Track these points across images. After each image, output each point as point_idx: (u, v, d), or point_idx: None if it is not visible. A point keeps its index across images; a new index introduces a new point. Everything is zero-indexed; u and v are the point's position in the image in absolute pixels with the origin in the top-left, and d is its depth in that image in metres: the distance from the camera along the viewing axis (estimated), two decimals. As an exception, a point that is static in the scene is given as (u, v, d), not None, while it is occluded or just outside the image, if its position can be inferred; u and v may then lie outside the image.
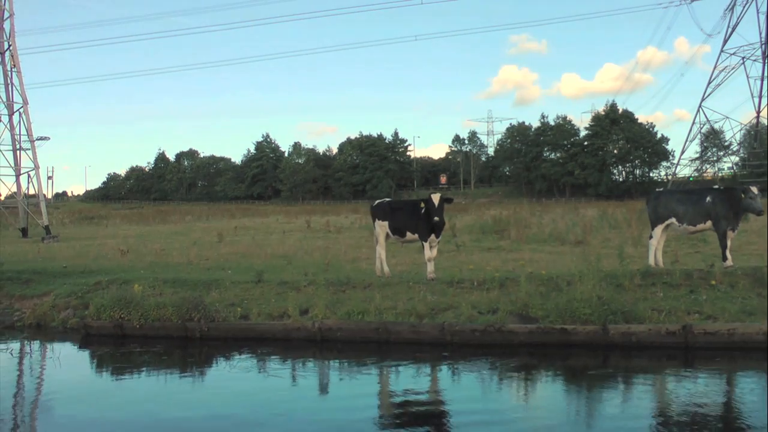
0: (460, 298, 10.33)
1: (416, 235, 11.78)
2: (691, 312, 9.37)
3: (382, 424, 6.64)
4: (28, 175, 34.24)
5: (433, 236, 11.50)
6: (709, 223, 11.56)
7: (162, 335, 10.56)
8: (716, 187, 12.23)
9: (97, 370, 9.70)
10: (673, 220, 11.94)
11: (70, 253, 20.87)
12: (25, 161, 34.06)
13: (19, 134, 33.19)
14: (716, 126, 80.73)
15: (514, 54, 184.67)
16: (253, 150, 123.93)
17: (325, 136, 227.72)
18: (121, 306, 10.85)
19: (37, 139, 33.75)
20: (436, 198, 11.18)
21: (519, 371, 8.33)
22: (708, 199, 11.50)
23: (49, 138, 36.79)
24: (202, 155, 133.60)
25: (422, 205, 11.47)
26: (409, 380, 8.24)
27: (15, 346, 11.09)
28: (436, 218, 11.11)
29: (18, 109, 32.98)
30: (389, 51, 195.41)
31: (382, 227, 12.42)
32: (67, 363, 9.75)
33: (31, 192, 36.60)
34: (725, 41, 73.60)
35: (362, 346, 9.44)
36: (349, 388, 8.01)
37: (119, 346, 10.37)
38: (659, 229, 12.14)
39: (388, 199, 13.15)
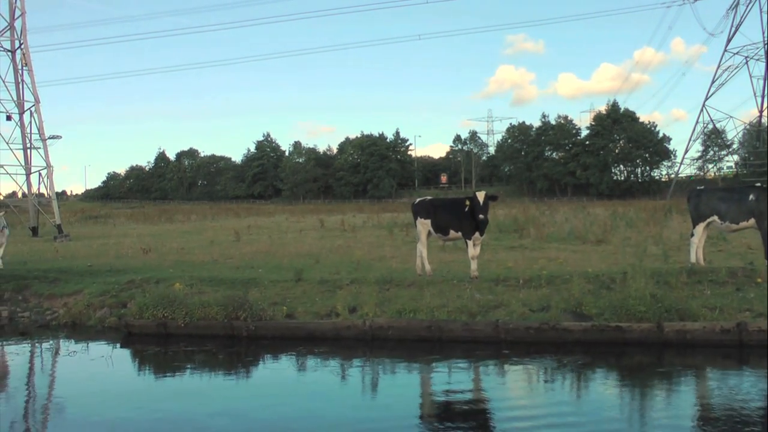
0: (509, 296, 10.30)
1: (459, 233, 11.76)
2: (741, 310, 9.37)
3: (455, 423, 6.62)
4: (39, 174, 34.06)
5: (477, 234, 11.49)
6: (751, 221, 11.53)
7: (207, 334, 10.39)
8: (758, 185, 12.20)
9: (154, 369, 9.49)
10: (716, 218, 11.91)
11: (89, 252, 20.78)
12: (35, 160, 33.93)
13: (30, 133, 33.02)
14: (719, 125, 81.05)
15: (510, 54, 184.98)
16: (253, 149, 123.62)
17: (325, 136, 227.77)
18: (164, 305, 10.70)
19: (48, 138, 33.54)
20: (481, 196, 11.19)
21: (582, 369, 8.27)
22: (751, 196, 11.47)
23: (60, 136, 36.51)
24: (202, 154, 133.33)
25: (467, 203, 11.44)
26: (483, 378, 8.22)
27: (55, 345, 10.95)
28: (481, 216, 11.12)
29: (29, 108, 32.80)
30: (389, 51, 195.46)
31: (424, 225, 12.37)
32: (120, 363, 9.56)
33: (41, 191, 36.41)
34: (729, 40, 73.97)
35: (414, 345, 9.36)
36: (413, 384, 7.97)
37: (165, 346, 10.21)
38: (701, 227, 12.11)
39: (429, 197, 13.07)
